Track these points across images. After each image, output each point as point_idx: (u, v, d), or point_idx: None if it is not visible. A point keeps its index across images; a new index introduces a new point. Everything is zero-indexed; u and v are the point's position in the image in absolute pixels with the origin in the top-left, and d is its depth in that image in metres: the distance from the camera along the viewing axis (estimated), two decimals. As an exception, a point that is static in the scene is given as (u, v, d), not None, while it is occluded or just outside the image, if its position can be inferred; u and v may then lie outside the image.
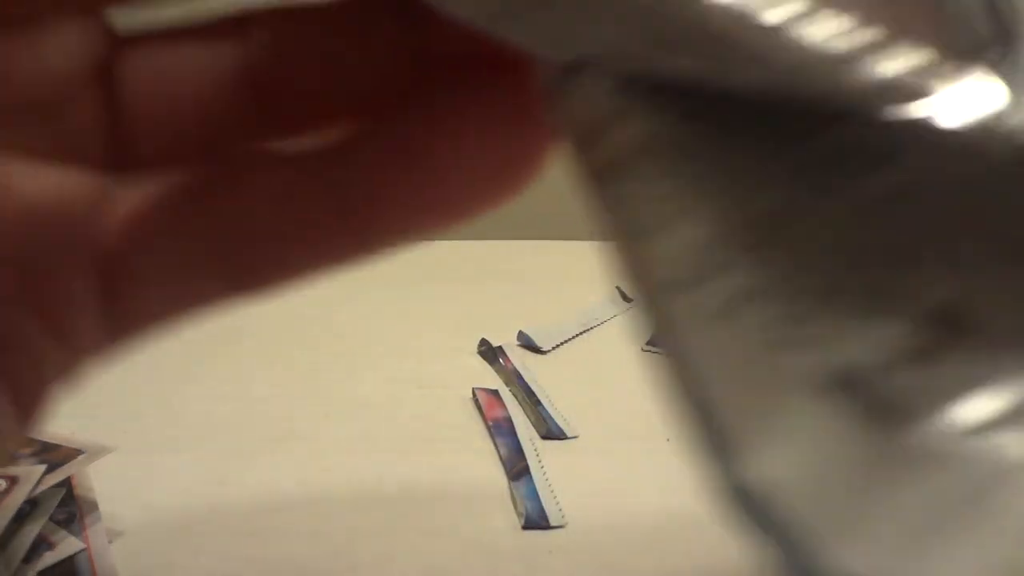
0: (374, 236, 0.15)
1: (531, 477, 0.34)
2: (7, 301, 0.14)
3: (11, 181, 0.13)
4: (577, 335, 0.45)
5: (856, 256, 0.11)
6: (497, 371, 0.41)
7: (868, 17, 0.11)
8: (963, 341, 0.10)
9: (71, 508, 0.31)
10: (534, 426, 0.37)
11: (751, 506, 0.10)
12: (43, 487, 0.31)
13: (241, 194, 0.15)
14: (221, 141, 0.15)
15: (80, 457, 0.31)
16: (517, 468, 0.34)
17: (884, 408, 0.10)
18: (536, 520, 0.31)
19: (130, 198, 0.15)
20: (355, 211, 0.15)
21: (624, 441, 0.36)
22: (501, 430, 0.37)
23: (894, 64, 0.11)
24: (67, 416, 0.35)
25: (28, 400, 0.15)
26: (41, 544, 0.29)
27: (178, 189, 0.15)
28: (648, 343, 0.44)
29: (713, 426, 0.10)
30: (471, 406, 0.39)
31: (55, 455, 0.32)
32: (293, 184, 0.15)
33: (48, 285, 0.14)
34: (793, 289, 0.11)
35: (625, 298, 0.48)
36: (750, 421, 0.10)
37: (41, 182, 0.13)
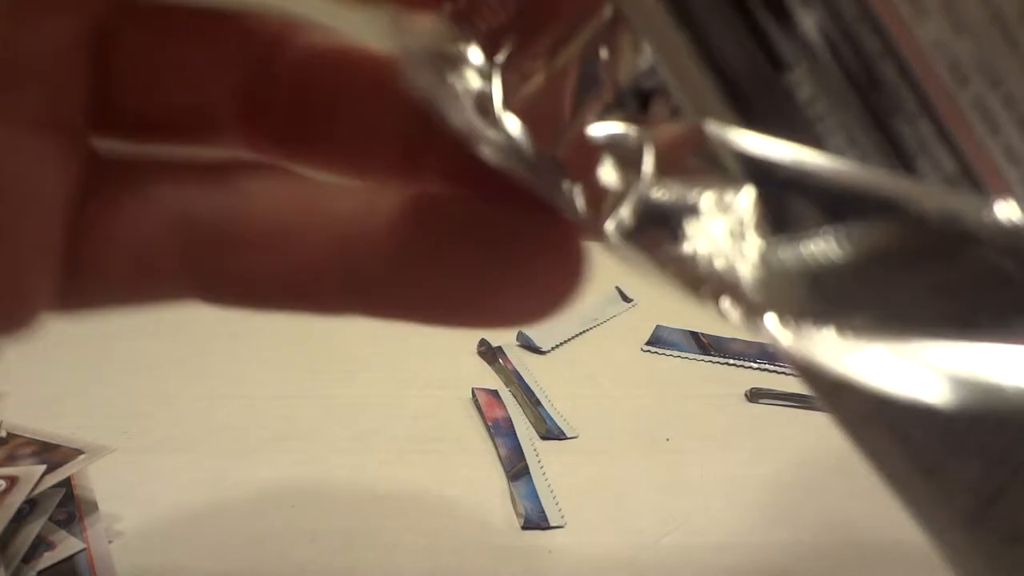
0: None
1: (530, 477, 0.34)
2: None
3: None
4: (577, 335, 0.45)
5: None
6: (497, 371, 0.41)
7: None
8: None
9: (71, 508, 0.31)
10: (533, 426, 0.37)
11: None
12: (43, 487, 0.31)
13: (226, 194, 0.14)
14: (206, 134, 0.14)
15: (80, 457, 0.31)
16: (516, 468, 0.34)
17: None
18: (536, 520, 0.31)
19: (119, 184, 0.14)
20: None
21: (624, 441, 0.36)
22: (501, 430, 0.37)
23: None
24: (67, 416, 0.35)
25: None
26: (41, 544, 0.29)
27: (162, 188, 0.14)
28: (647, 343, 0.44)
29: None
30: (471, 406, 0.39)
31: (55, 455, 0.32)
32: (286, 190, 0.14)
33: (5, 236, 0.13)
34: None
35: (625, 298, 0.48)
36: None
37: (14, 142, 0.13)
